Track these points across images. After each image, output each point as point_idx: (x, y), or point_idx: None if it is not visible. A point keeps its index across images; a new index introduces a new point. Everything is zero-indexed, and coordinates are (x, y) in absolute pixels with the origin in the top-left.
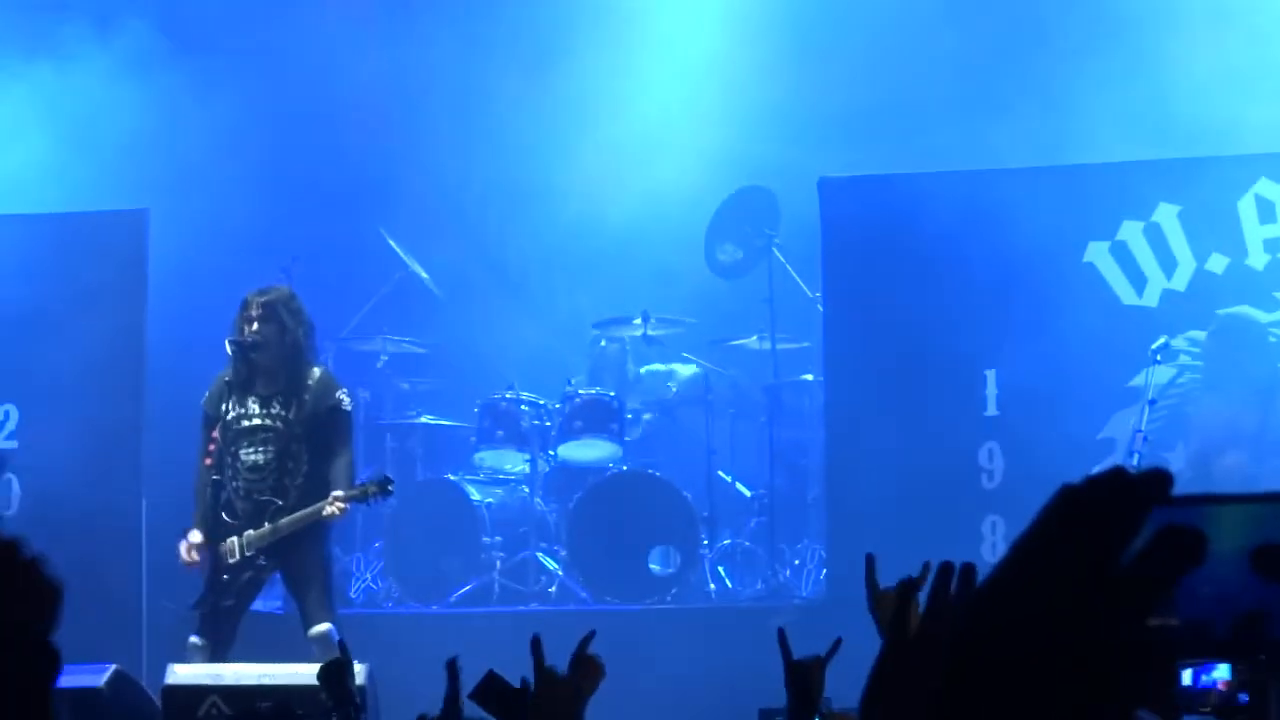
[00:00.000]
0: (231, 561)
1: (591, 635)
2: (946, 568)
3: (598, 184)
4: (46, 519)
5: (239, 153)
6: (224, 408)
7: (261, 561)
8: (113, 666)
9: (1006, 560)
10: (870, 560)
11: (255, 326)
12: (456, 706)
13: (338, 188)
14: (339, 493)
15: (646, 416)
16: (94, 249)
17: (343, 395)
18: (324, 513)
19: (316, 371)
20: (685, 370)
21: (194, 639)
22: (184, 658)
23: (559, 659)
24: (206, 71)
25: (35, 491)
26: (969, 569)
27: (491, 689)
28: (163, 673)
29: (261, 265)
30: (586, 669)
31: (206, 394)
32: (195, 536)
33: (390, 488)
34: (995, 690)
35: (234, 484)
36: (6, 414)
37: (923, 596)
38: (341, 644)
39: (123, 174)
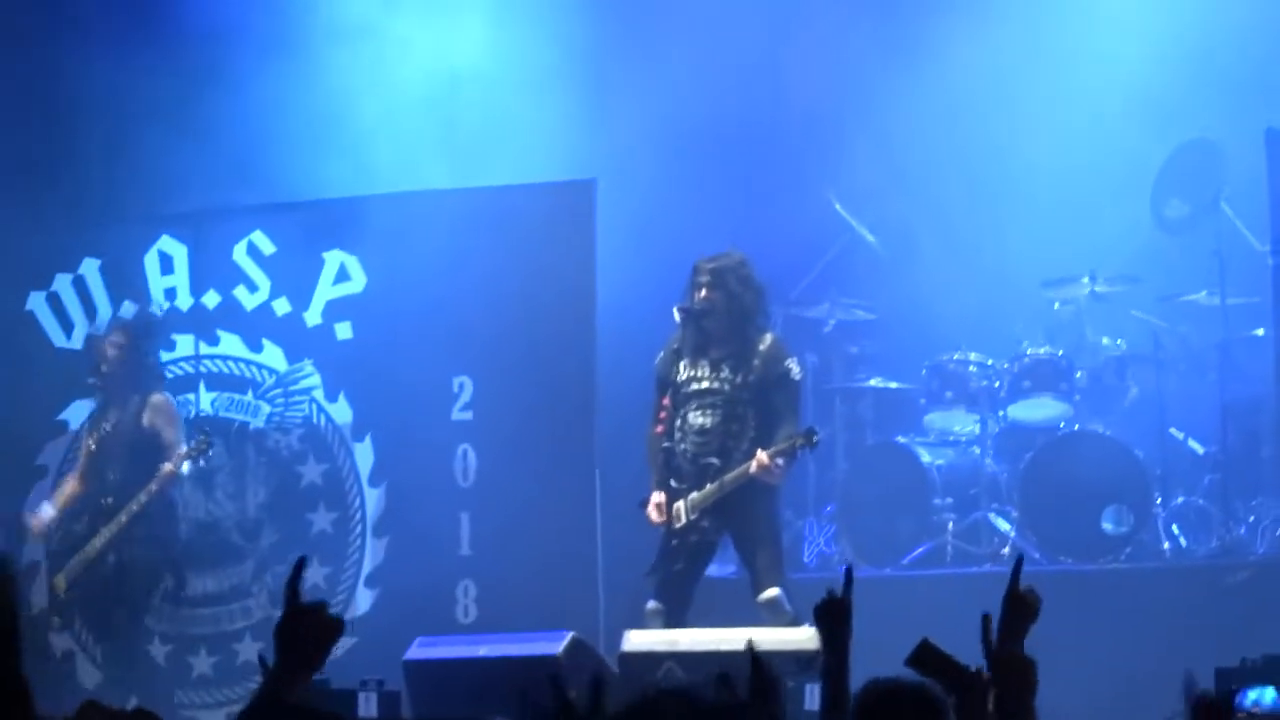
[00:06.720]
0: (678, 525)
1: (1032, 591)
2: None
3: (1042, 141)
4: (502, 490)
5: (681, 120)
6: (674, 372)
7: (705, 524)
8: (570, 634)
9: None
10: None
11: (704, 293)
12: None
13: (783, 153)
14: (763, 451)
15: (1096, 376)
16: (543, 219)
17: (792, 364)
18: (750, 471)
19: (768, 338)
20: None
21: (651, 604)
22: (641, 624)
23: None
24: (645, 40)
25: (491, 462)
26: None
27: (927, 656)
28: (619, 640)
29: (708, 232)
30: (1020, 606)
31: (658, 359)
32: (659, 497)
33: (815, 439)
34: None
35: (681, 447)
36: (461, 386)
37: None
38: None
39: (568, 145)
